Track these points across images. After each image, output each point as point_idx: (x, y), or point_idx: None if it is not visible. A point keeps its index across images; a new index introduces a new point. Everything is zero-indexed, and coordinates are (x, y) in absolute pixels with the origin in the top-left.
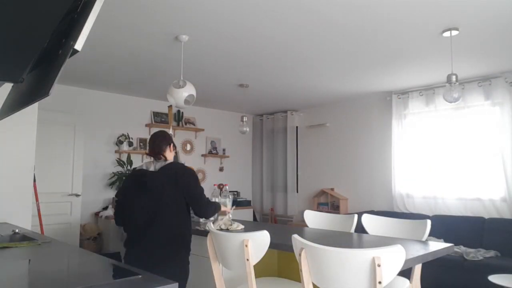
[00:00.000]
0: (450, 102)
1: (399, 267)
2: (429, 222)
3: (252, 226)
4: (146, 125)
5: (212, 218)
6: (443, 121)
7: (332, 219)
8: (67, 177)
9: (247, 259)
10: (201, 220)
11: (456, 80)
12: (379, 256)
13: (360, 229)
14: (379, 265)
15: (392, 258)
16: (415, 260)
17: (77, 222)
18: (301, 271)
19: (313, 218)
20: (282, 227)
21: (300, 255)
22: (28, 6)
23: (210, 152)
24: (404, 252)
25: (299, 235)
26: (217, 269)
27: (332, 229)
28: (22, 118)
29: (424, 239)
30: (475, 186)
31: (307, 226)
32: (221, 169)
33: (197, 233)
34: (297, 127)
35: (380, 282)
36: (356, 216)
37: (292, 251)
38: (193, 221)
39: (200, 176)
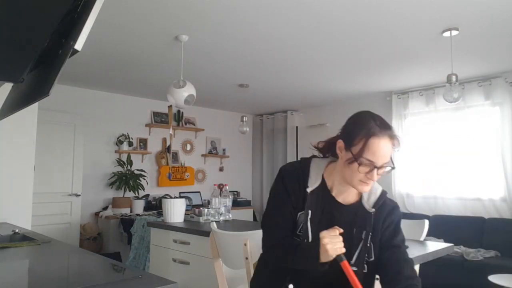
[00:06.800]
0: (450, 102)
1: None
2: (426, 222)
3: (252, 226)
4: (146, 125)
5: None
6: (443, 121)
7: None
8: (67, 177)
9: (246, 258)
10: (201, 219)
11: (456, 80)
12: None
13: None
14: None
15: None
16: (414, 260)
17: (77, 222)
18: None
19: None
20: None
21: None
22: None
23: (210, 152)
24: None
25: None
26: (219, 267)
27: None
28: (22, 118)
29: (421, 239)
30: (475, 186)
31: None
32: (221, 169)
33: (198, 233)
34: (297, 127)
35: None
36: None
37: None
38: (193, 221)
39: (200, 176)
